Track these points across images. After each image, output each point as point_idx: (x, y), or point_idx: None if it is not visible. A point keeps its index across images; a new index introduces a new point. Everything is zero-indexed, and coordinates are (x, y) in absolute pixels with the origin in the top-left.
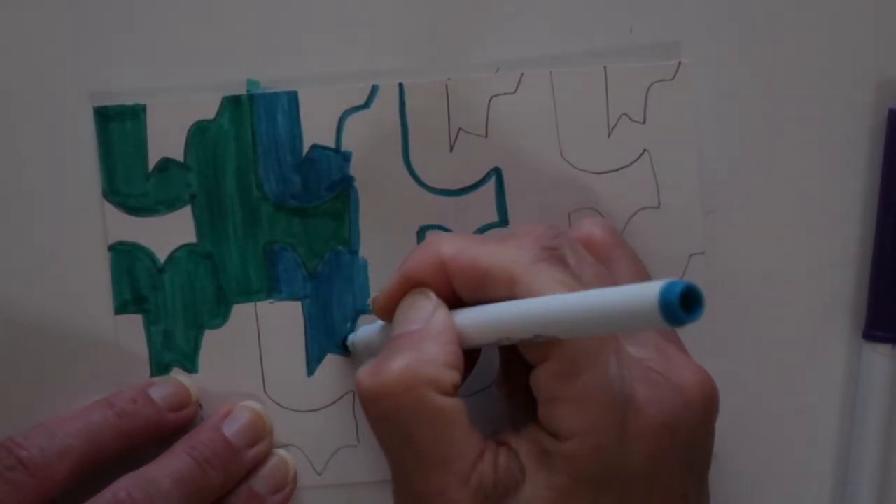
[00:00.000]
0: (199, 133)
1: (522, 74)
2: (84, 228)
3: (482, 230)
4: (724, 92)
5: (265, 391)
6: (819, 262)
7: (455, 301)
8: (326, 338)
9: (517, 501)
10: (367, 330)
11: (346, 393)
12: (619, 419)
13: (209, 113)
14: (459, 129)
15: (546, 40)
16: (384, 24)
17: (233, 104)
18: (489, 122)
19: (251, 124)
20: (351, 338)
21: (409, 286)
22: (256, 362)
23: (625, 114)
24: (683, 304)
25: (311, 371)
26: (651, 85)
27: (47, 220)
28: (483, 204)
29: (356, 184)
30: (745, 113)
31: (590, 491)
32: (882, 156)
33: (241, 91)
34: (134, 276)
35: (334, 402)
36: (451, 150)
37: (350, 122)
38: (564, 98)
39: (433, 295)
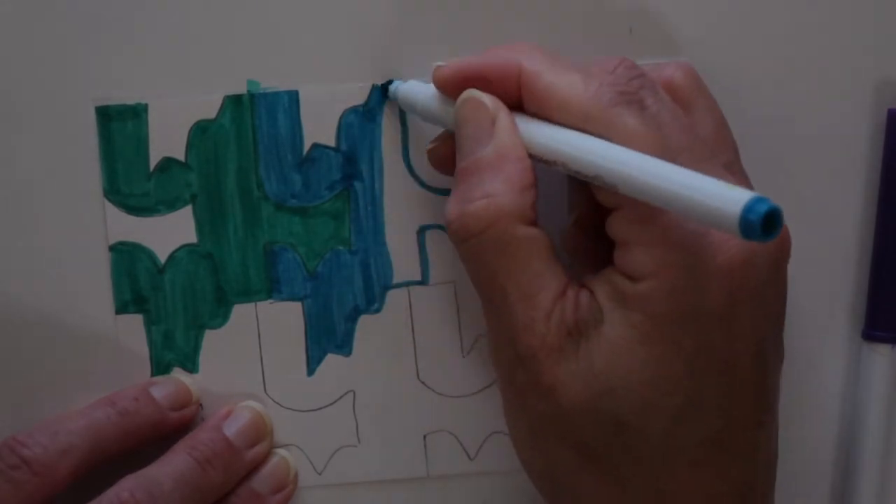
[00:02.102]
0: (200, 132)
1: None
2: (85, 228)
3: None
4: (722, 92)
5: (265, 391)
6: (819, 261)
7: (517, 108)
8: (326, 338)
9: (598, 339)
10: (417, 87)
11: (346, 393)
12: (694, 259)
13: (210, 112)
14: None
15: (545, 40)
16: (384, 24)
17: (234, 104)
18: None
19: (252, 124)
20: (396, 85)
21: (477, 75)
22: (257, 362)
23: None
24: (764, 225)
25: (311, 371)
26: None
27: (48, 219)
28: None
29: (356, 183)
30: (743, 113)
31: (668, 329)
32: (882, 156)
33: (242, 91)
34: (134, 276)
35: (334, 402)
36: None
37: (350, 121)
38: None
39: (489, 99)
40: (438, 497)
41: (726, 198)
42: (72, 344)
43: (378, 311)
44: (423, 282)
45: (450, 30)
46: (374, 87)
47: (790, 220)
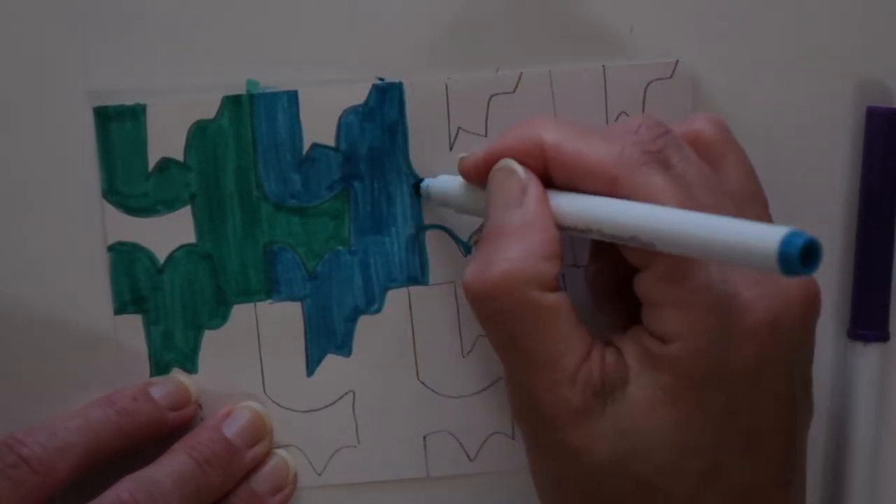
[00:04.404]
0: (199, 133)
1: (522, 73)
2: (84, 228)
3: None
4: (713, 91)
5: (265, 391)
6: None
7: (545, 183)
8: (326, 338)
9: (624, 400)
10: (447, 181)
11: (346, 393)
12: (723, 321)
13: (209, 112)
14: (459, 128)
15: (545, 41)
16: (384, 24)
17: (233, 104)
18: (489, 122)
19: (251, 124)
20: (427, 183)
21: (500, 158)
22: (256, 362)
23: (623, 112)
24: (802, 258)
25: (311, 371)
26: (649, 83)
27: (47, 220)
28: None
29: (356, 183)
30: (730, 111)
31: (695, 391)
32: (862, 153)
33: (241, 91)
34: (133, 277)
35: (334, 402)
36: (451, 149)
37: (350, 121)
38: (563, 97)
39: (521, 170)
40: (438, 497)
41: (762, 235)
42: (71, 344)
43: (378, 311)
44: (423, 282)
45: (450, 30)
46: (373, 87)
47: (775, 220)
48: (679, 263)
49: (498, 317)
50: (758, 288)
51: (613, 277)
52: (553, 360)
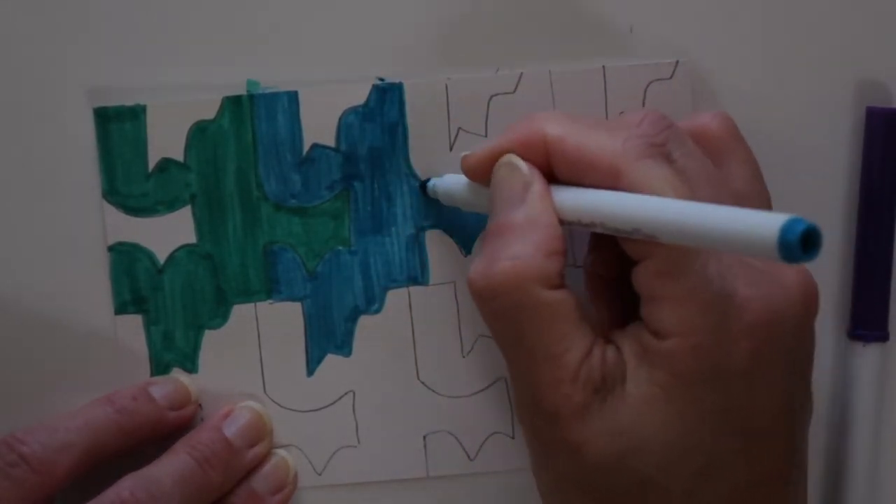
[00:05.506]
0: (200, 133)
1: (522, 74)
2: (84, 229)
3: (483, 230)
4: (713, 91)
5: (265, 391)
6: None
7: (548, 177)
8: (326, 338)
9: (622, 396)
10: (452, 180)
11: (346, 393)
12: (719, 318)
13: (209, 113)
14: (459, 128)
15: (545, 40)
16: (384, 24)
17: (233, 104)
18: (489, 122)
19: (251, 124)
20: (433, 182)
21: (503, 154)
22: (256, 362)
23: (623, 112)
24: (803, 244)
25: (311, 371)
26: (649, 84)
27: (47, 220)
28: None
29: (356, 183)
30: (730, 112)
31: (691, 388)
32: (861, 154)
33: (241, 91)
34: (134, 277)
35: (334, 402)
36: (451, 149)
37: (350, 121)
38: (563, 97)
39: (524, 166)
40: (438, 497)
41: (763, 223)
42: (71, 344)
43: (378, 311)
44: (423, 282)
45: (450, 30)
46: (373, 88)
47: None
48: (676, 257)
49: (502, 314)
50: (756, 286)
51: (610, 273)
52: (556, 357)
